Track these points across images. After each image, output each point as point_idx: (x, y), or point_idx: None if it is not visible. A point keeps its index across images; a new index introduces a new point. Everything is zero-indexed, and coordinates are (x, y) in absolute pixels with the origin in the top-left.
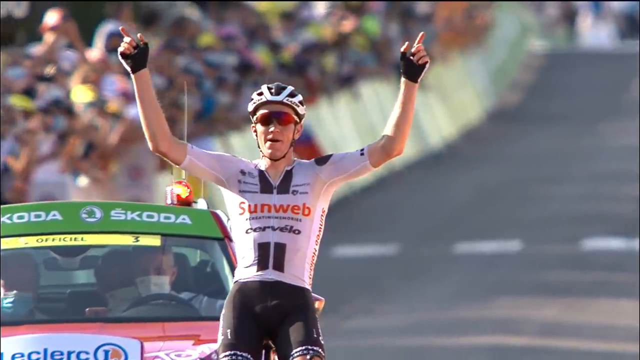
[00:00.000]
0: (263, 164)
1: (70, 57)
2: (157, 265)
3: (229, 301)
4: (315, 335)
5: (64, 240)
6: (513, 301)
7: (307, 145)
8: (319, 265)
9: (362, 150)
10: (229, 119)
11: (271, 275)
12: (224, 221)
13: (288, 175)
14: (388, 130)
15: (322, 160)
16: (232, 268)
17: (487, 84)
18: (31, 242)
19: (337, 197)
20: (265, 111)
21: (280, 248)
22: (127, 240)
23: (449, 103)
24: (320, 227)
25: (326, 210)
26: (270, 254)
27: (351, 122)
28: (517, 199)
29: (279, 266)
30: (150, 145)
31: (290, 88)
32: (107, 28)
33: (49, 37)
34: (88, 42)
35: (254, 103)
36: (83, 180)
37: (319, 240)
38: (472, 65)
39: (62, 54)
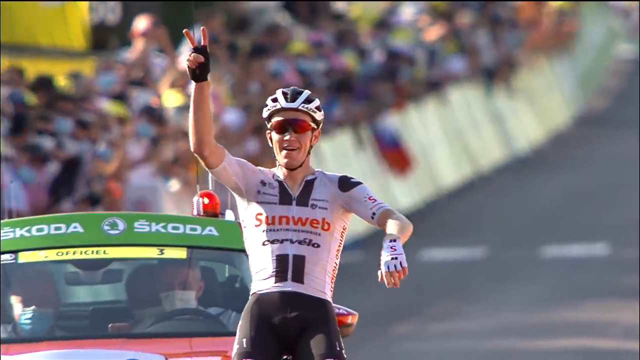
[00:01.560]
0: (280, 173)
1: (161, 62)
2: (183, 279)
3: (246, 312)
4: (338, 348)
5: (85, 253)
6: (600, 304)
7: (395, 151)
8: (408, 269)
9: (374, 214)
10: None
11: (290, 287)
12: None
13: (308, 187)
14: (387, 225)
15: (345, 186)
16: None
17: (574, 89)
18: (51, 255)
19: (424, 201)
20: (280, 119)
21: (300, 260)
22: (151, 253)
23: (537, 107)
24: (340, 242)
25: (347, 227)
26: (289, 266)
27: (439, 127)
28: (604, 203)
29: (299, 278)
30: (193, 147)
31: (306, 93)
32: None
33: (139, 43)
34: (178, 47)
35: (268, 110)
36: (174, 185)
37: (339, 254)
38: (560, 70)
39: (152, 59)
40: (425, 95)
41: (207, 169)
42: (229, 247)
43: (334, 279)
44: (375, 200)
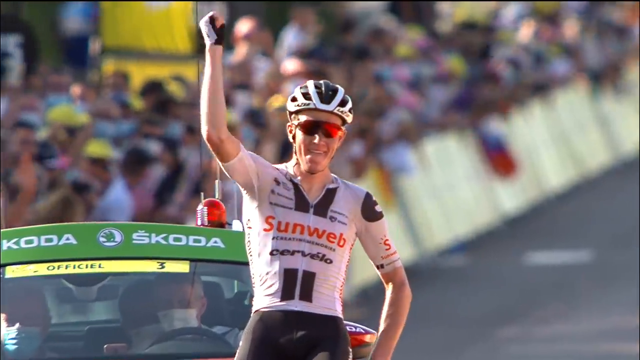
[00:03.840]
0: (296, 172)
1: (264, 66)
2: (184, 295)
3: (247, 333)
4: None
5: (78, 267)
6: None
7: (500, 154)
8: (514, 272)
9: (382, 266)
10: (417, 127)
11: (298, 306)
12: None
13: (329, 196)
14: (380, 324)
15: (368, 213)
16: None
17: None
18: (41, 269)
19: (530, 204)
20: (311, 119)
21: (309, 277)
22: (151, 266)
23: None
24: (349, 258)
25: (354, 244)
26: (297, 283)
27: (545, 131)
28: None
29: (307, 296)
30: (208, 131)
31: (341, 92)
32: (291, 34)
33: (242, 46)
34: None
35: (298, 106)
36: None
37: (347, 269)
38: None
39: (256, 63)
40: (531, 99)
41: (220, 162)
42: (236, 260)
43: (342, 294)
44: (390, 248)
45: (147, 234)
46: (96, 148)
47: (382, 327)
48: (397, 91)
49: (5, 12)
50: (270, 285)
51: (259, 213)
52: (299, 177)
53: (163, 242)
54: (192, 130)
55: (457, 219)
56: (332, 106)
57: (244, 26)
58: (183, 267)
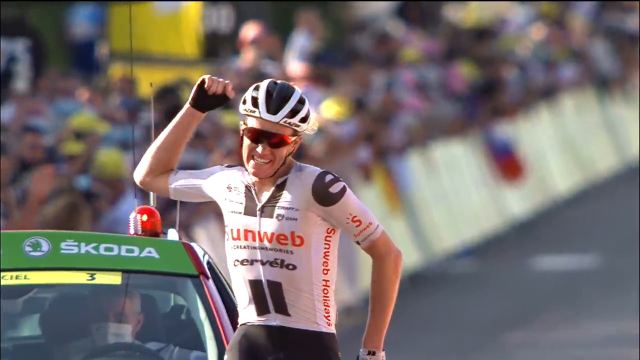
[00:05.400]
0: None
1: (272, 70)
2: (118, 310)
3: (233, 348)
4: None
5: (2, 278)
6: None
7: (507, 159)
8: (521, 277)
9: (358, 243)
10: (428, 130)
11: (276, 320)
12: (199, 254)
13: (277, 191)
14: (369, 306)
15: (322, 199)
16: (209, 311)
17: None
18: None
19: (537, 209)
20: (256, 127)
21: (276, 287)
22: (80, 278)
23: None
24: (327, 251)
25: (337, 231)
26: (266, 295)
27: (552, 135)
28: None
29: (282, 309)
30: (134, 174)
31: (293, 100)
32: (299, 40)
33: (249, 51)
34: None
35: (245, 110)
36: None
37: (330, 269)
38: None
39: (264, 67)
40: (538, 103)
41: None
42: (171, 272)
43: (329, 298)
44: (360, 223)
45: (76, 243)
46: (111, 168)
47: (369, 308)
48: (404, 96)
49: (13, 16)
50: (243, 299)
51: (225, 222)
52: (252, 177)
53: (93, 252)
54: (200, 135)
55: (464, 224)
56: (278, 117)
57: (250, 30)
58: (114, 278)
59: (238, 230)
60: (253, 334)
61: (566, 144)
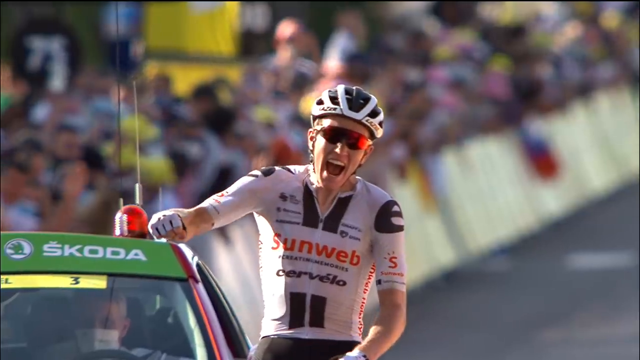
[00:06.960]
0: (314, 180)
1: (308, 69)
2: (103, 315)
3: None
4: None
5: None
6: None
7: (542, 156)
8: (556, 275)
9: (379, 282)
10: (464, 128)
11: (308, 334)
12: (188, 257)
13: (340, 207)
14: (372, 329)
15: (382, 224)
16: (198, 316)
17: None
18: None
19: (573, 207)
20: (336, 125)
21: (319, 302)
22: (63, 282)
23: None
24: (371, 274)
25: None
26: (306, 309)
27: (587, 133)
28: None
29: (318, 322)
30: None
31: (373, 102)
32: (341, 41)
33: (284, 49)
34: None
35: (323, 109)
36: None
37: (369, 287)
38: None
39: (299, 66)
40: (574, 101)
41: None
42: (158, 275)
43: (362, 313)
44: (395, 267)
45: (59, 246)
46: (157, 176)
47: (372, 336)
48: (439, 94)
49: (49, 15)
50: (277, 310)
51: (269, 231)
52: (315, 185)
53: (77, 254)
54: (238, 135)
55: (499, 222)
56: (361, 115)
57: (286, 29)
58: (99, 282)
59: (293, 240)
60: (280, 347)
61: (601, 142)
